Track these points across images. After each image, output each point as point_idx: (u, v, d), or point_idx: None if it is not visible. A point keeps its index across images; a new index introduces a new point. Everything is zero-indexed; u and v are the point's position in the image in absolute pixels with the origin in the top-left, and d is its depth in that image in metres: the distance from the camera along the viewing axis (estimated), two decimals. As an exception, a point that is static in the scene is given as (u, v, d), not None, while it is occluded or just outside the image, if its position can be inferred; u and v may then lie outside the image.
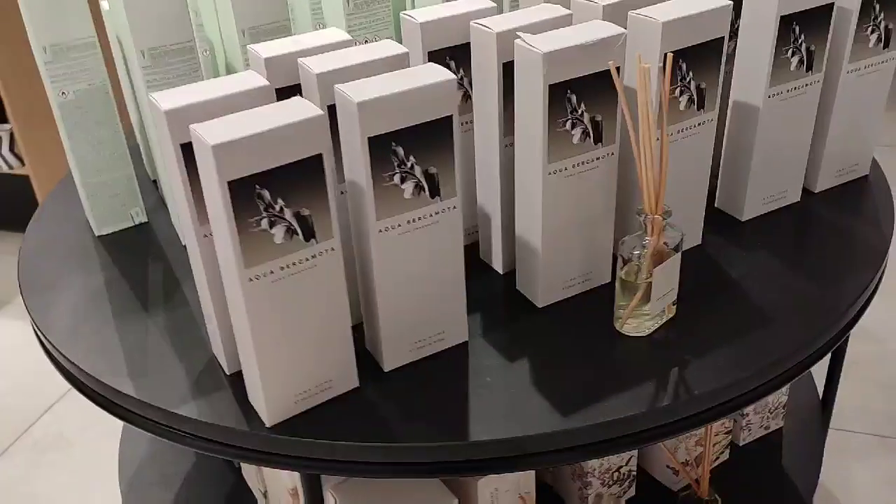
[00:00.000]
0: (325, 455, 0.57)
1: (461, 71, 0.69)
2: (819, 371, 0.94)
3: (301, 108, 0.51)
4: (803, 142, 0.78)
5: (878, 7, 0.74)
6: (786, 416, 1.00)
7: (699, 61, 0.65)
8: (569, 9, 0.67)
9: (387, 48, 0.60)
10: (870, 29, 0.75)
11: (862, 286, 0.69)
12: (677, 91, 0.65)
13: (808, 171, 0.82)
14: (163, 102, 0.53)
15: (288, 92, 0.61)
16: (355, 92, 0.52)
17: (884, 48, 0.77)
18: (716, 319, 0.66)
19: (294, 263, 0.53)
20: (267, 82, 0.55)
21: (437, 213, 0.58)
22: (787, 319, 0.66)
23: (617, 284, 0.64)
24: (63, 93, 0.79)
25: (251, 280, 0.52)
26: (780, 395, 0.97)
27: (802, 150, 0.78)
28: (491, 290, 0.72)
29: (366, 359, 0.63)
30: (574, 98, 0.60)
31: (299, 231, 0.52)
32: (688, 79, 0.65)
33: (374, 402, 0.60)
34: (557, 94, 0.59)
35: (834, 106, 0.78)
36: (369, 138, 0.53)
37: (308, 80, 0.58)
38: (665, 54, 0.59)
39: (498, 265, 0.74)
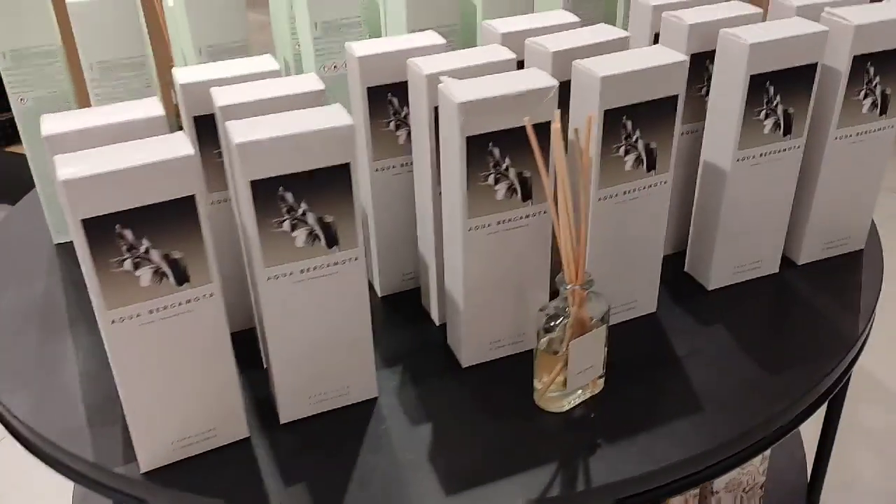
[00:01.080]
0: (197, 508, 0.54)
1: (405, 109, 0.65)
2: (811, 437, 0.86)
3: (177, 145, 0.48)
4: (781, 210, 0.71)
5: (872, 70, 0.67)
6: (765, 497, 0.92)
7: (648, 120, 0.59)
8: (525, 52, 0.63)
9: (305, 83, 0.57)
10: (862, 93, 0.68)
11: (818, 376, 0.63)
12: (622, 150, 0.60)
13: (791, 241, 0.76)
14: (46, 126, 0.51)
15: (204, 121, 0.58)
16: (241, 135, 0.49)
17: (880, 115, 0.70)
18: (646, 399, 0.61)
19: (165, 307, 0.50)
20: (161, 113, 0.53)
21: (335, 264, 0.54)
22: (725, 405, 0.60)
23: (535, 356, 0.59)
24: (22, 99, 0.78)
25: (114, 322, 0.49)
26: (757, 476, 0.90)
27: (780, 218, 0.72)
28: (424, 340, 0.68)
29: (269, 406, 0.60)
30: (496, 151, 0.56)
31: (170, 274, 0.49)
32: (634, 138, 0.60)
33: (257, 455, 0.57)
34: (477, 146, 0.55)
35: (819, 174, 0.71)
36: (253, 182, 0.50)
37: (224, 113, 0.55)
38: (590, 116, 0.54)
39: (434, 315, 0.70)
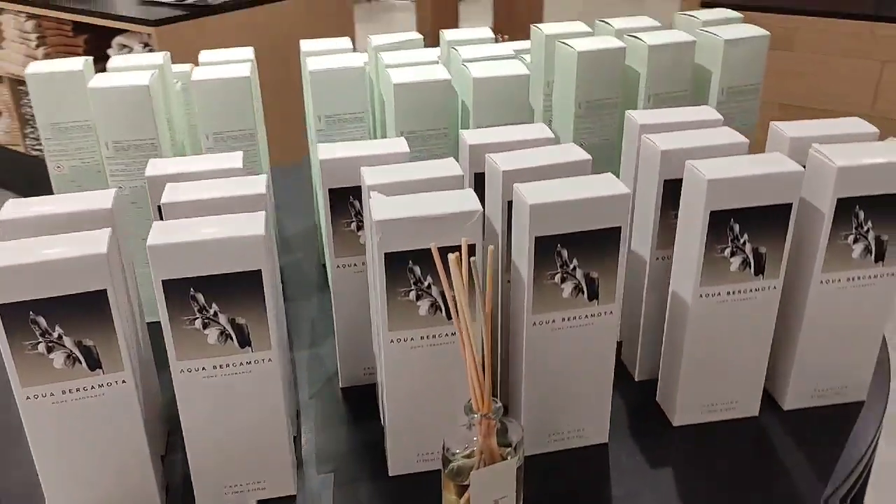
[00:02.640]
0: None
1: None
2: None
3: (91, 241, 0.51)
4: (757, 352, 0.67)
5: (861, 214, 0.63)
6: None
7: (586, 249, 0.58)
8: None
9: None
10: (851, 237, 0.64)
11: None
12: (557, 278, 0.59)
13: (777, 384, 0.71)
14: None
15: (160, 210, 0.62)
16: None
17: (875, 261, 0.65)
18: (563, 540, 0.58)
19: (78, 389, 0.53)
20: (89, 208, 0.57)
21: (248, 363, 0.56)
22: (644, 563, 0.56)
23: (443, 487, 0.58)
24: (58, 167, 0.86)
25: (28, 398, 0.53)
26: None
27: (757, 360, 0.67)
28: (368, 440, 0.68)
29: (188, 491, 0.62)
30: (417, 270, 0.56)
31: (82, 360, 0.53)
32: (571, 266, 0.58)
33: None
34: (398, 263, 0.55)
35: (804, 319, 0.67)
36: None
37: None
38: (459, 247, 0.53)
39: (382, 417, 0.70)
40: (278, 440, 0.60)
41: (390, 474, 0.64)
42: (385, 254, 0.55)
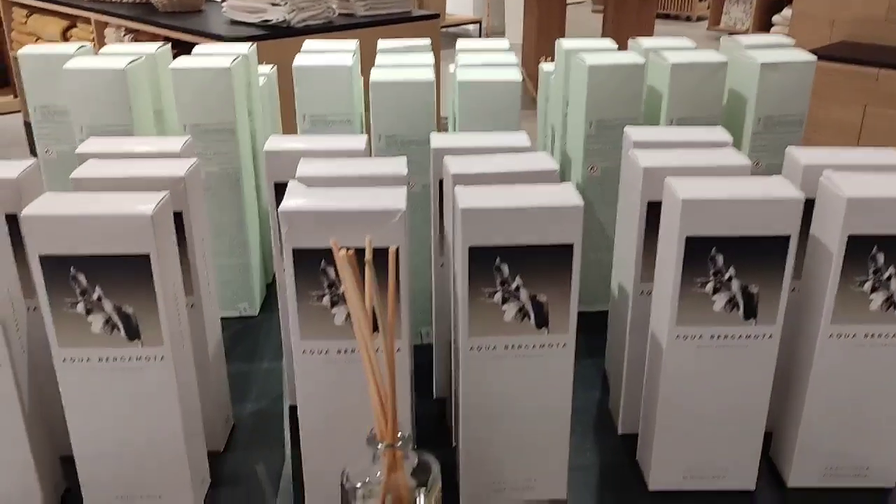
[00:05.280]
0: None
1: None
2: None
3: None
4: (751, 412, 0.56)
5: (881, 258, 0.52)
6: None
7: (534, 268, 0.50)
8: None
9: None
10: (868, 285, 0.53)
11: None
12: (497, 297, 0.51)
13: (782, 456, 0.60)
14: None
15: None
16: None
17: (902, 317, 0.54)
18: None
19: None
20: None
21: (137, 359, 0.50)
22: None
23: (342, 519, 0.50)
24: (47, 151, 0.84)
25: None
26: None
27: (750, 422, 0.57)
28: None
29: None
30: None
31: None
32: (513, 285, 0.50)
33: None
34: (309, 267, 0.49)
35: (809, 379, 0.56)
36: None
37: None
38: (393, 250, 0.46)
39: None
40: (174, 452, 0.53)
41: (305, 506, 0.56)
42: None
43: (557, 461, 0.56)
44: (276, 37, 2.11)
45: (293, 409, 0.68)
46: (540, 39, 4.08)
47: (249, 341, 0.79)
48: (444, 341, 0.66)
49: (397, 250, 0.45)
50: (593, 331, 0.72)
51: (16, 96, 2.94)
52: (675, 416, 0.56)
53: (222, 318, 0.68)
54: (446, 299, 0.63)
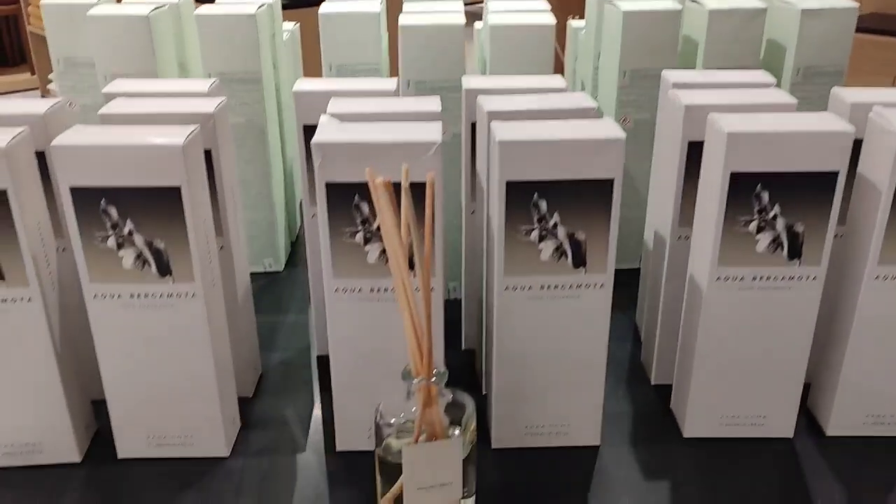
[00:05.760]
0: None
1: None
2: None
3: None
4: (792, 357, 0.55)
5: (933, 196, 0.50)
6: None
7: (570, 203, 0.49)
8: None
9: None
10: (919, 225, 0.51)
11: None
12: (533, 235, 0.49)
13: (820, 403, 0.59)
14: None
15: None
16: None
17: (951, 259, 0.52)
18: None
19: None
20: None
21: (169, 296, 0.50)
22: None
23: (375, 460, 0.49)
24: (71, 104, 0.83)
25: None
26: None
27: (791, 368, 0.55)
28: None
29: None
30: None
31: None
32: (550, 222, 0.49)
33: (79, 488, 0.53)
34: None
35: (853, 323, 0.54)
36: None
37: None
38: (430, 175, 0.44)
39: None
40: (206, 391, 0.53)
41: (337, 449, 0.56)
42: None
43: (592, 406, 0.55)
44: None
45: (321, 358, 0.67)
46: None
47: (275, 296, 0.79)
48: (474, 292, 0.65)
49: (434, 180, 0.43)
50: (623, 286, 0.70)
51: (32, 73, 2.94)
52: (712, 362, 0.55)
53: (247, 274, 0.67)
54: (477, 248, 0.62)
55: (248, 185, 0.79)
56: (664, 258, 0.60)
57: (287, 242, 0.87)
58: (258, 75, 0.75)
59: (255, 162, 0.78)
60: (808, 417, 0.60)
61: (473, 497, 0.51)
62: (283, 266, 0.85)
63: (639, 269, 0.71)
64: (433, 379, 0.46)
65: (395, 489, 0.48)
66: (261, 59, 0.74)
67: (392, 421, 0.47)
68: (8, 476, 0.53)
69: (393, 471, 0.48)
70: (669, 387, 0.62)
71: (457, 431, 0.47)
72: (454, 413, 0.47)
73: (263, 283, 0.81)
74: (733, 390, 0.56)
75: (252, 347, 0.63)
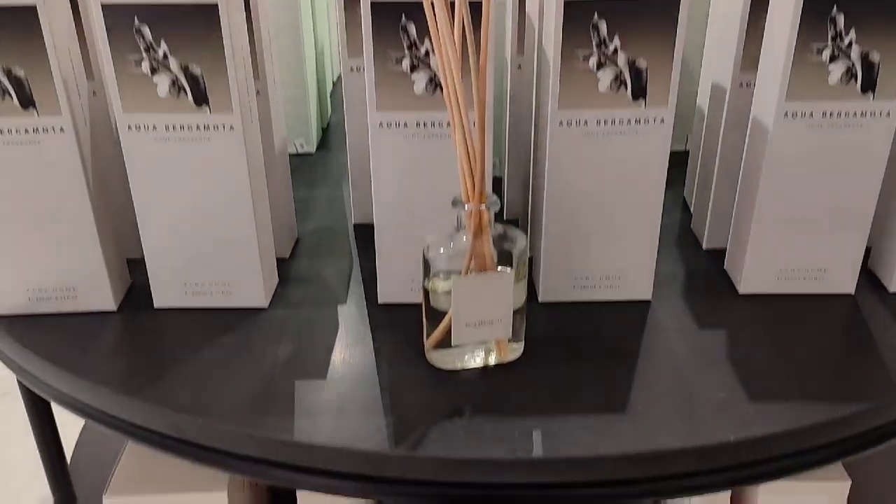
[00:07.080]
0: (35, 370, 0.50)
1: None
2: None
3: None
4: (858, 204, 0.52)
5: None
6: None
7: (631, 29, 0.45)
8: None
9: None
10: None
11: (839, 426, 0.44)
12: (592, 62, 0.46)
13: (883, 259, 0.56)
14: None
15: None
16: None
17: None
18: (569, 383, 0.46)
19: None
20: None
21: (206, 127, 0.47)
22: (679, 413, 0.44)
23: (423, 298, 0.47)
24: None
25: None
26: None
27: (858, 216, 0.52)
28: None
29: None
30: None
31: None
32: (610, 47, 0.46)
33: (115, 333, 0.51)
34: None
35: (926, 165, 0.51)
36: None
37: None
38: None
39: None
40: (244, 235, 0.51)
41: (380, 301, 0.54)
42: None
43: (646, 254, 0.53)
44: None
45: (358, 227, 0.65)
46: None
47: (308, 174, 0.76)
48: (519, 154, 0.63)
49: (490, -15, 0.40)
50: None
51: None
52: (774, 210, 0.52)
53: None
54: (524, 108, 0.59)
55: (279, 57, 0.76)
56: (723, 108, 0.57)
57: (318, 125, 0.85)
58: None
59: (286, 31, 0.75)
60: (868, 277, 0.57)
61: (522, 342, 0.49)
62: (315, 148, 0.82)
63: (683, 152, 0.68)
64: (484, 205, 0.44)
65: (443, 325, 0.46)
66: None
67: (441, 251, 0.45)
68: (41, 322, 0.52)
69: (438, 316, 0.46)
70: (722, 251, 0.59)
71: (508, 269, 0.45)
72: (506, 245, 0.45)
73: (296, 164, 0.78)
74: (793, 242, 0.53)
75: (288, 205, 0.61)
